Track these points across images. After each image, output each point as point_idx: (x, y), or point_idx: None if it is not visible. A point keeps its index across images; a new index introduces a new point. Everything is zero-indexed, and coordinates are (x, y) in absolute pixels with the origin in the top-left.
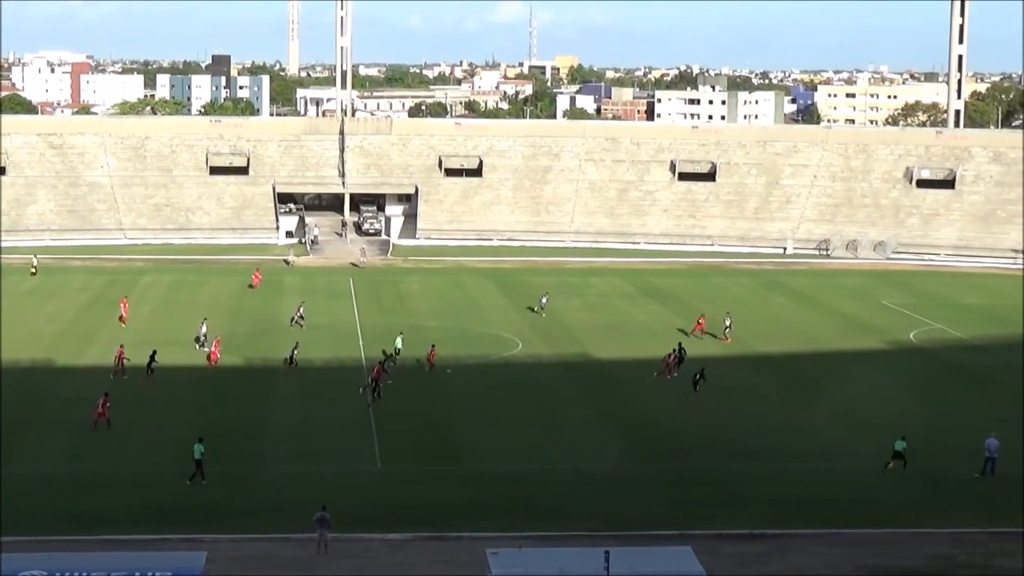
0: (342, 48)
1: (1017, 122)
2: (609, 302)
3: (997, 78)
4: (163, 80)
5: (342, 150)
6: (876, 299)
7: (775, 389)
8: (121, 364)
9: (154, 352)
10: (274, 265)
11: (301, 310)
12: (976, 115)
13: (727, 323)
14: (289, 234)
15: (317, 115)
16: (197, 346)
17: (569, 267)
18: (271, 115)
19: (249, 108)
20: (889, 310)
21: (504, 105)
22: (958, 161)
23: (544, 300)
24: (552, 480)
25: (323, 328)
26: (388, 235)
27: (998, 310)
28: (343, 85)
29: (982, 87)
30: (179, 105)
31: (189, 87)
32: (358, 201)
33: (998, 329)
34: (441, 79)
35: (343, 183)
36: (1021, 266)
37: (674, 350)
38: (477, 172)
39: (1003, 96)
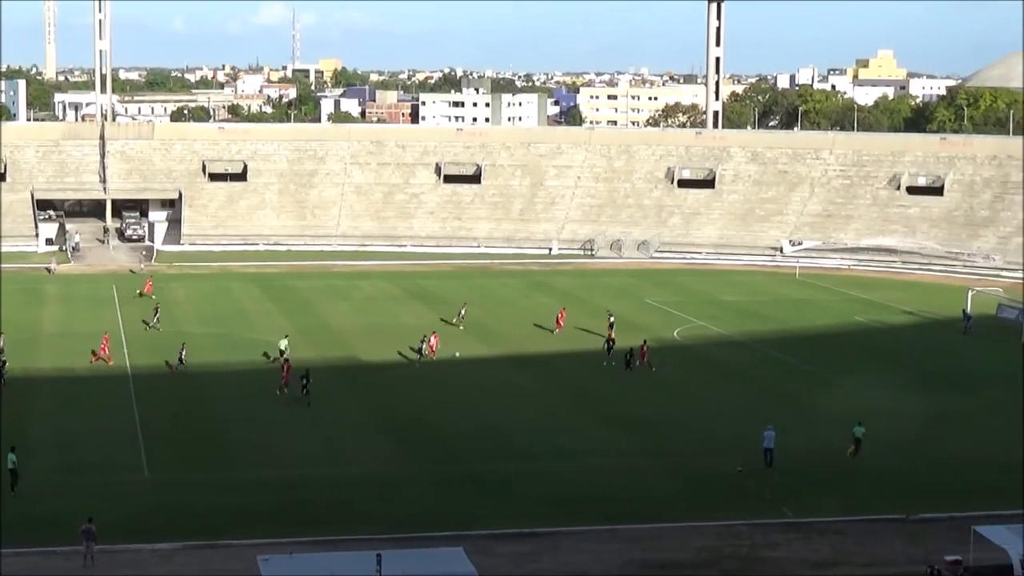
0: (101, 51)
1: (773, 122)
2: (377, 304)
3: (753, 79)
4: None
5: (103, 155)
6: (640, 298)
7: (542, 388)
8: None
9: (2, 363)
10: (34, 273)
11: (158, 314)
12: (734, 116)
13: (611, 320)
14: (49, 241)
15: (76, 120)
16: None
17: (336, 270)
18: (28, 120)
19: (5, 113)
20: (653, 308)
21: (268, 109)
22: (717, 161)
23: (463, 311)
24: (324, 484)
25: (86, 336)
26: (152, 241)
27: (757, 306)
28: (103, 89)
29: (739, 88)
30: None
31: None
32: (120, 207)
33: (757, 325)
34: (204, 83)
35: (104, 189)
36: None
37: (644, 342)
38: (242, 176)
39: (759, 97)
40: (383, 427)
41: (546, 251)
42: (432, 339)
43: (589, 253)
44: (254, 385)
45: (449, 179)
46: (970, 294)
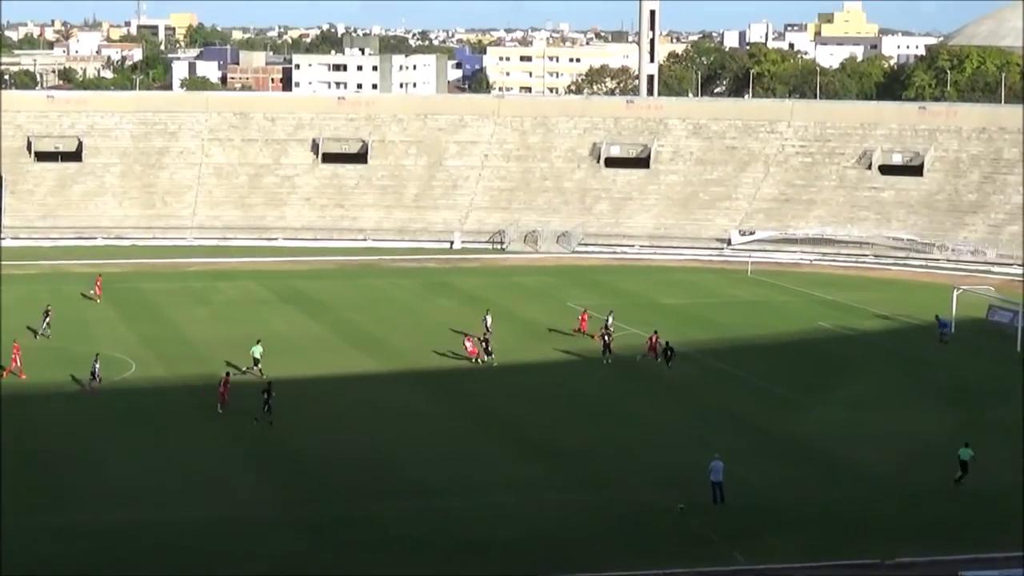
0: None
1: (719, 88)
2: (242, 311)
3: (696, 37)
4: None
5: None
6: (560, 300)
7: (442, 411)
8: None
9: None
10: None
11: (48, 318)
12: (672, 81)
13: (609, 320)
14: None
15: None
16: None
17: (192, 270)
18: None
19: None
20: (576, 313)
21: (108, 74)
22: (652, 135)
23: (488, 320)
24: (176, 528)
25: None
26: None
27: (701, 310)
28: None
29: (678, 48)
30: None
31: None
32: None
33: (702, 333)
34: (28, 42)
35: None
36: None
37: (655, 332)
38: (76, 156)
39: (702, 58)
40: (249, 459)
41: (447, 245)
42: (468, 343)
43: (499, 247)
44: (92, 409)
45: (329, 158)
46: (955, 294)
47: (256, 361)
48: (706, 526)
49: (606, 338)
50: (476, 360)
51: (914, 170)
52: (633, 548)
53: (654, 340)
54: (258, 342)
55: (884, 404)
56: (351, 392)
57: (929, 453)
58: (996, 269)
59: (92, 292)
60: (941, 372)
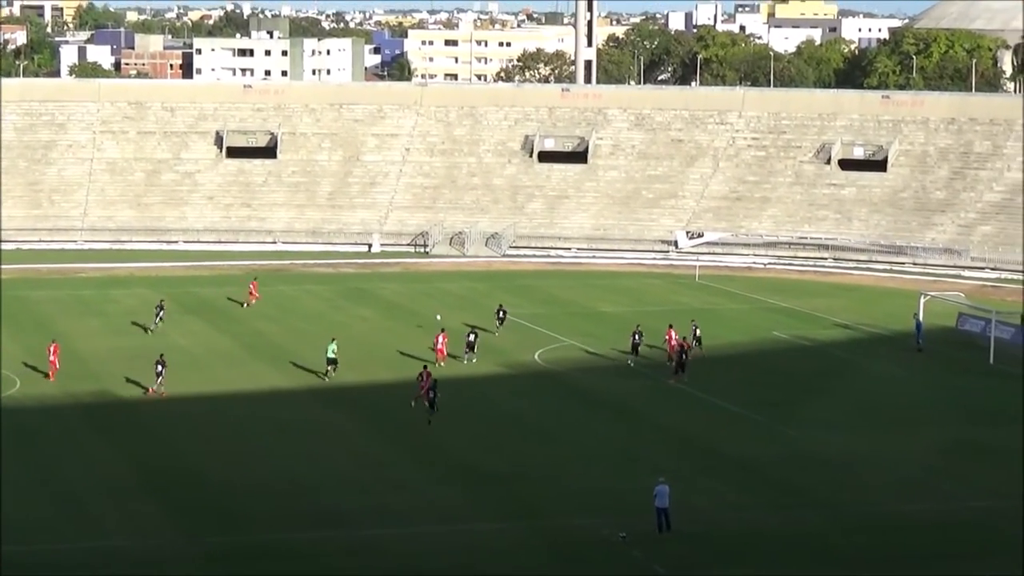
0: None
1: (663, 75)
2: (138, 321)
3: (638, 19)
4: None
5: None
6: (489, 308)
7: (359, 431)
8: None
9: None
10: None
11: (161, 313)
12: (612, 67)
13: (695, 332)
14: None
15: None
16: None
17: (83, 276)
18: None
19: None
20: (507, 323)
21: None
22: (591, 127)
23: (503, 312)
24: (65, 561)
25: None
26: None
27: (644, 319)
28: None
29: (619, 31)
30: None
31: None
32: None
33: (645, 343)
34: None
35: None
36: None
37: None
38: None
39: (644, 43)
40: (147, 485)
41: (365, 248)
42: (441, 340)
43: (422, 250)
44: None
45: (234, 153)
46: (922, 300)
47: (332, 361)
48: (650, 557)
49: (636, 337)
50: (440, 363)
51: (877, 165)
52: None
53: (694, 333)
54: (333, 340)
55: (847, 423)
56: (259, 411)
57: (898, 477)
58: (967, 273)
59: (246, 300)
60: (908, 388)
